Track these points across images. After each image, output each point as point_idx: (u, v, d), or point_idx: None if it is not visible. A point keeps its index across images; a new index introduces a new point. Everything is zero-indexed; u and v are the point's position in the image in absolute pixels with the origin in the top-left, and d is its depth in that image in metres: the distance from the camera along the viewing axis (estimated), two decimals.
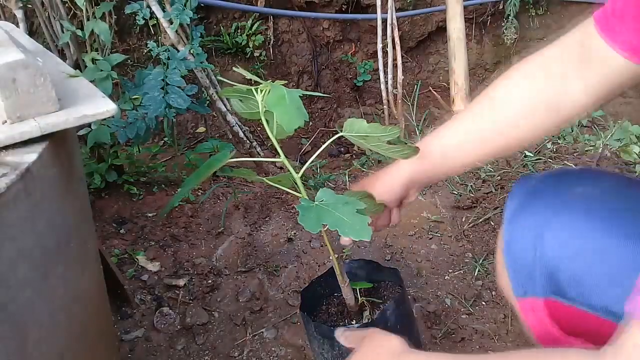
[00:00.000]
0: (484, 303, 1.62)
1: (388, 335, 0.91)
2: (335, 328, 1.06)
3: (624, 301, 0.60)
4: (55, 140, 0.85)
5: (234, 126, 2.10)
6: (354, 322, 1.16)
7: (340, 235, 1.04)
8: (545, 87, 0.94)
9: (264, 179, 0.98)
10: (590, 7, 3.05)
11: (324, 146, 1.04)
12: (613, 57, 0.85)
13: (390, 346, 0.89)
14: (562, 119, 0.96)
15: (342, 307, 1.22)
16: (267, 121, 0.94)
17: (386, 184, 1.06)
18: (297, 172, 0.96)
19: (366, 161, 2.32)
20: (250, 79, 0.91)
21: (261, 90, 0.88)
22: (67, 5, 1.87)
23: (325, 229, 0.92)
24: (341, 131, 0.95)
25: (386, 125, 0.97)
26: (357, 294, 1.17)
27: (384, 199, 1.05)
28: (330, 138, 1.04)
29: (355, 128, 0.93)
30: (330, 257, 1.06)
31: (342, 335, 1.01)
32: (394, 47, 2.35)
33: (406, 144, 0.99)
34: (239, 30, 2.80)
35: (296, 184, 0.96)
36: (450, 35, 2.42)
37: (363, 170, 2.23)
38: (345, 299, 1.13)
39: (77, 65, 1.86)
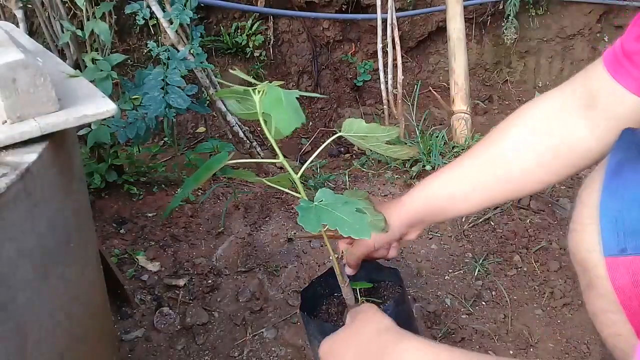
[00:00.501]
0: (484, 303, 1.62)
1: (380, 313, 0.94)
2: (336, 327, 1.04)
3: None
4: (55, 140, 0.85)
5: (234, 126, 2.10)
6: None
7: (337, 241, 1.09)
8: (552, 136, 0.95)
9: (263, 179, 0.98)
10: (591, 8, 3.06)
11: (322, 147, 1.04)
12: (623, 99, 0.85)
13: (380, 322, 0.91)
14: (575, 166, 0.97)
15: (342, 307, 1.22)
16: (265, 122, 0.93)
17: (392, 217, 1.07)
18: (297, 173, 0.96)
19: (366, 161, 2.32)
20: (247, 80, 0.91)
21: (258, 91, 0.88)
22: (67, 5, 1.88)
23: (325, 229, 0.91)
24: (340, 131, 0.95)
25: (386, 125, 0.98)
26: (357, 294, 1.17)
27: (392, 227, 1.06)
28: (330, 138, 1.04)
29: (354, 128, 0.93)
30: (330, 257, 1.06)
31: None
32: (394, 47, 2.35)
33: (405, 144, 0.99)
34: (239, 30, 2.80)
35: (295, 184, 0.96)
36: (450, 35, 2.42)
37: (363, 170, 2.23)
38: (345, 299, 1.13)
39: (77, 65, 1.86)
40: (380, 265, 1.26)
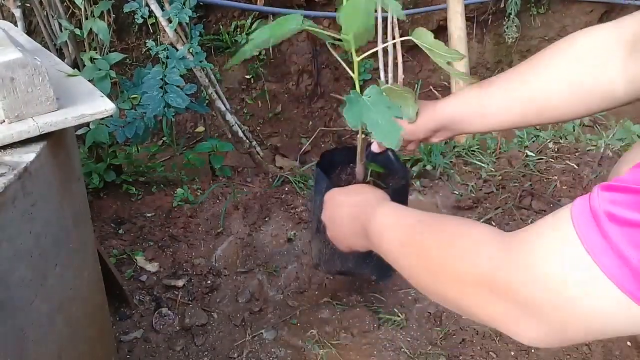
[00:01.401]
0: None
1: (380, 190, 1.09)
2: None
3: None
4: (54, 139, 0.85)
5: (233, 125, 2.09)
6: None
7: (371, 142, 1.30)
8: (587, 72, 0.96)
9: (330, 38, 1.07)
10: (592, 7, 3.05)
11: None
12: None
13: (376, 191, 1.08)
14: (596, 106, 0.99)
15: (352, 178, 1.36)
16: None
17: (421, 116, 1.13)
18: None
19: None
20: None
21: None
22: (65, 4, 1.87)
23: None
24: (411, 35, 1.04)
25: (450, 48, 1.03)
26: (368, 173, 1.31)
27: (418, 123, 1.13)
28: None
29: (422, 38, 1.02)
30: (357, 136, 1.20)
31: None
32: (394, 46, 2.34)
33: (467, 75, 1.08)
34: (238, 29, 2.79)
35: (353, 68, 1.07)
36: (451, 34, 2.41)
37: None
38: (356, 172, 1.29)
39: (76, 64, 1.85)
40: (401, 163, 1.40)
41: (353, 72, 1.06)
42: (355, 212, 1.05)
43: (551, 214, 0.65)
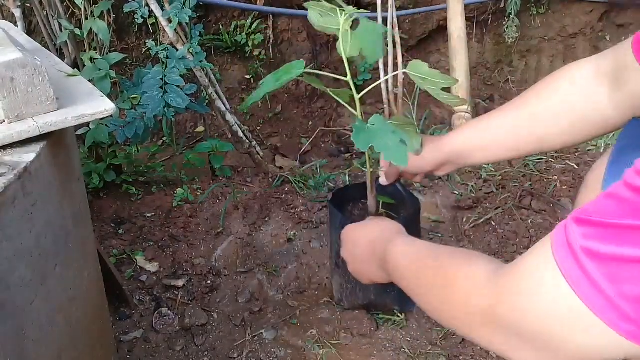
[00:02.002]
0: None
1: (395, 222, 1.14)
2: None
3: None
4: (54, 139, 0.85)
5: (233, 125, 2.09)
6: None
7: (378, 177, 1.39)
8: (577, 100, 1.03)
9: (327, 89, 1.14)
10: (592, 7, 3.05)
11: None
12: None
13: (392, 225, 1.12)
14: (591, 131, 1.05)
15: (364, 212, 1.42)
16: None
17: (427, 150, 1.21)
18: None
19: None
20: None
21: (344, 13, 1.03)
22: (65, 4, 1.87)
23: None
24: (406, 68, 1.08)
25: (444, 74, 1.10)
26: (379, 205, 1.37)
27: (424, 157, 1.21)
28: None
29: (417, 70, 1.06)
30: (366, 170, 1.29)
31: None
32: (394, 46, 2.34)
33: (458, 96, 1.11)
34: (239, 29, 2.78)
35: (355, 102, 1.14)
36: (451, 34, 2.41)
37: (363, 170, 2.22)
38: (368, 206, 1.35)
39: (76, 64, 1.85)
40: (409, 192, 1.48)
41: (355, 110, 1.15)
42: (372, 248, 1.10)
43: (536, 247, 0.68)
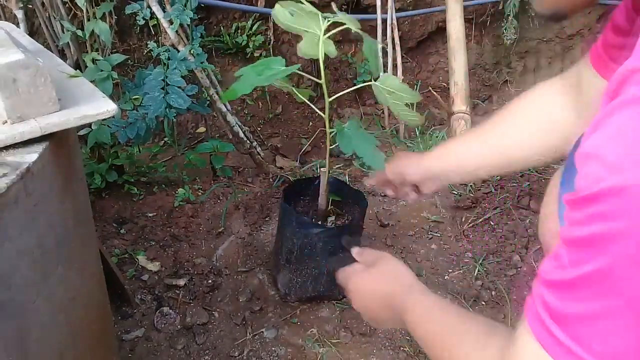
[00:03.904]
0: (483, 303, 1.63)
1: (401, 264, 1.07)
2: (312, 221, 1.50)
3: None
4: (56, 140, 0.85)
5: (234, 126, 2.10)
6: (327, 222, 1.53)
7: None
8: (549, 115, 1.08)
9: (293, 89, 1.22)
10: (590, 8, 3.05)
11: None
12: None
13: (404, 274, 1.05)
14: (562, 147, 1.08)
15: (312, 209, 1.56)
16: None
17: (411, 165, 1.24)
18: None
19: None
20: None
21: (327, 19, 1.07)
22: (67, 5, 1.88)
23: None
24: (374, 81, 1.14)
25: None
26: (329, 202, 1.49)
27: (409, 172, 1.23)
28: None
29: (387, 83, 1.11)
30: (322, 170, 1.40)
31: (357, 252, 1.14)
32: (393, 48, 2.35)
33: (419, 113, 1.24)
34: (239, 31, 2.79)
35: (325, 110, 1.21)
36: (450, 35, 2.41)
37: (363, 170, 2.23)
38: (319, 203, 1.47)
39: (78, 66, 1.86)
40: (358, 191, 1.62)
41: (324, 113, 1.22)
42: (387, 303, 1.05)
43: (521, 320, 0.69)
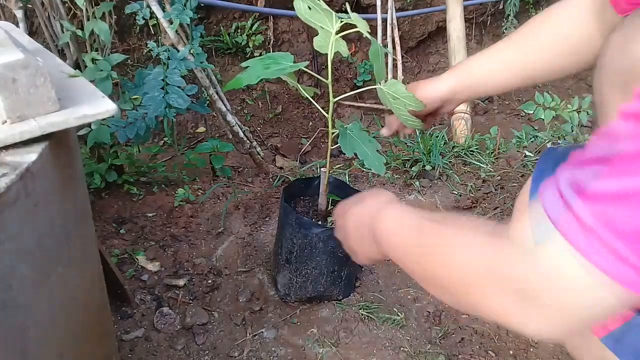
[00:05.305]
0: None
1: (387, 191, 1.11)
2: (312, 221, 1.48)
3: None
4: (55, 140, 0.85)
5: (234, 126, 2.10)
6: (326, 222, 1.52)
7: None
8: (571, 32, 1.08)
9: (298, 85, 1.23)
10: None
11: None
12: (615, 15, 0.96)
13: (383, 193, 1.08)
14: (583, 60, 1.09)
15: (312, 209, 1.56)
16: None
17: (428, 92, 1.20)
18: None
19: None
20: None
21: (341, 20, 1.07)
22: (67, 5, 1.87)
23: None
24: (380, 84, 1.14)
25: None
26: (329, 203, 1.50)
27: (428, 97, 1.19)
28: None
29: (393, 89, 1.11)
30: (323, 169, 1.40)
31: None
32: (394, 47, 2.35)
33: (421, 121, 1.21)
34: (239, 30, 2.79)
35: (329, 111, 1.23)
36: (450, 35, 2.42)
37: (363, 170, 2.23)
38: (319, 203, 1.47)
39: (77, 65, 1.86)
40: (356, 190, 1.58)
41: (327, 113, 1.23)
42: (362, 220, 1.06)
43: (527, 207, 0.71)
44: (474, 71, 1.18)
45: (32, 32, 2.28)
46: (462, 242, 0.80)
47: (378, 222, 0.99)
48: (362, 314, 1.57)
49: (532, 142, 2.33)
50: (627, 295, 0.58)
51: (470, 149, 2.27)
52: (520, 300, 0.68)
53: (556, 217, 0.61)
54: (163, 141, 2.48)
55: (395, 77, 2.39)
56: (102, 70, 1.74)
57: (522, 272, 0.67)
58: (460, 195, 2.02)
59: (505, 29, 3.04)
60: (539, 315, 0.67)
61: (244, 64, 1.16)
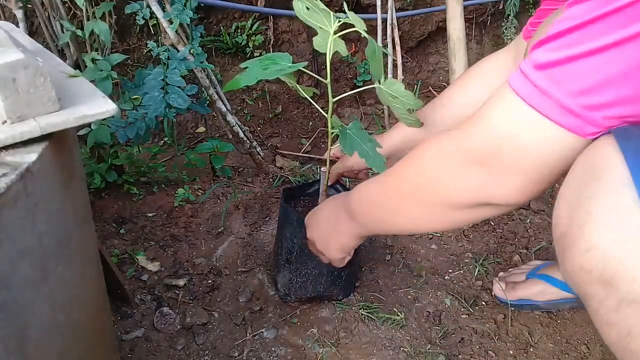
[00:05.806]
0: (483, 303, 1.63)
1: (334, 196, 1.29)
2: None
3: None
4: (56, 140, 0.85)
5: (234, 126, 2.10)
6: None
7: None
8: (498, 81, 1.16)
9: (297, 86, 1.27)
10: None
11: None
12: None
13: (337, 199, 1.25)
14: None
15: (312, 209, 1.52)
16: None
17: (389, 137, 1.36)
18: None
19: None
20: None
21: (339, 20, 1.08)
22: (67, 5, 1.87)
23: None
24: (379, 84, 1.17)
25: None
26: None
27: (386, 147, 1.33)
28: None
29: (392, 88, 1.14)
30: (323, 170, 1.42)
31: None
32: (394, 47, 2.34)
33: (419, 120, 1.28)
34: (239, 30, 2.79)
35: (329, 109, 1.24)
36: (450, 35, 2.41)
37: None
38: (319, 203, 1.45)
39: (77, 65, 1.86)
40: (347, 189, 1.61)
41: (326, 113, 1.24)
42: (334, 208, 1.21)
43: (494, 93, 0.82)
44: (412, 135, 1.35)
45: (32, 32, 2.28)
46: (422, 154, 0.93)
47: (350, 199, 1.15)
48: (362, 314, 1.57)
49: None
50: (574, 140, 0.71)
51: None
52: (486, 166, 0.80)
53: (517, 87, 0.75)
54: (163, 141, 2.48)
55: (395, 77, 2.39)
56: (102, 70, 1.74)
57: (478, 140, 0.80)
58: None
59: (505, 29, 3.04)
60: (506, 178, 0.79)
61: (242, 65, 1.16)
